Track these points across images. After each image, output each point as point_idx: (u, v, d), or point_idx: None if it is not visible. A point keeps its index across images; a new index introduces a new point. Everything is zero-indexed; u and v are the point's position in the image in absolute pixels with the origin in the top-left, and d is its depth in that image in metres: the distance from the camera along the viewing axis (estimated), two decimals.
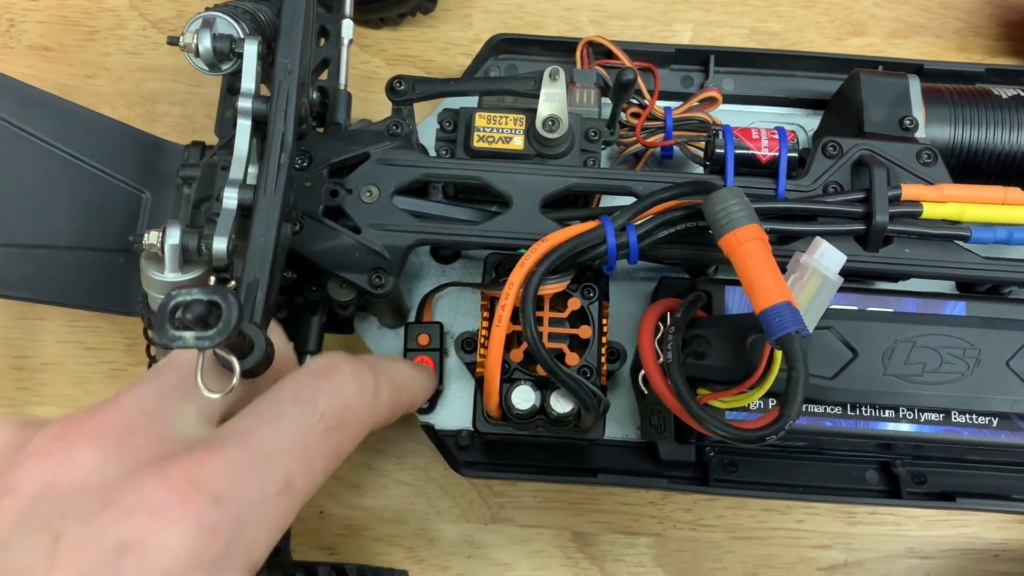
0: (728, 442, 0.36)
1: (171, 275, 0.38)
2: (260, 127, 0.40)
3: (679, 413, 0.39)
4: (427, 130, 0.50)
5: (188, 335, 0.28)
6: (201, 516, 0.27)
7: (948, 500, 0.46)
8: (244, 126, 0.39)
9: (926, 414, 0.41)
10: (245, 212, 0.38)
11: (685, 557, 0.54)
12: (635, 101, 0.50)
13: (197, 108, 0.62)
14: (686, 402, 0.38)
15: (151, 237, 0.37)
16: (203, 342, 0.28)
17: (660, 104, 0.50)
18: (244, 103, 0.39)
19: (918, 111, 0.46)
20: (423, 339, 0.46)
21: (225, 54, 0.41)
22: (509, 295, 0.39)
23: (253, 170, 0.40)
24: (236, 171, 0.39)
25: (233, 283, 0.33)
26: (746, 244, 0.37)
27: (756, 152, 0.44)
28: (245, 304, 0.35)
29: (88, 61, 0.63)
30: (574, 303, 0.43)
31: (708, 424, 0.37)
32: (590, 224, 0.41)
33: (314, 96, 0.47)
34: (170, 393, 0.31)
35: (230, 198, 0.38)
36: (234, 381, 0.30)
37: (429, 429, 0.47)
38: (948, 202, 0.42)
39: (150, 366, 0.44)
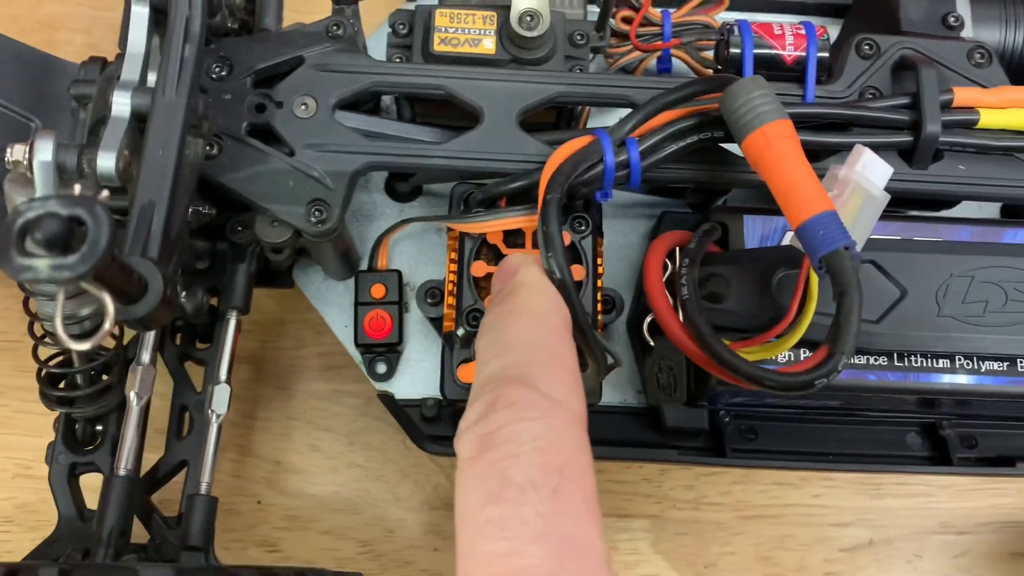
0: (769, 391, 0.29)
1: None
2: (162, 19, 0.31)
3: (701, 362, 0.32)
4: (377, 45, 0.42)
5: (41, 263, 0.20)
6: None
7: (1007, 465, 0.39)
8: (140, 15, 0.32)
9: (988, 363, 0.35)
10: (140, 123, 0.30)
11: (687, 541, 0.47)
12: (627, 4, 0.42)
13: (104, 35, 0.54)
14: (711, 347, 0.30)
15: (15, 152, 0.29)
16: (61, 272, 0.19)
17: (655, 9, 0.42)
18: None
19: (963, 6, 0.40)
20: (378, 290, 0.39)
21: None
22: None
23: (155, 77, 0.31)
24: (130, 71, 0.31)
25: (106, 192, 0.25)
26: (777, 143, 0.30)
27: (780, 51, 0.36)
28: (136, 232, 0.27)
29: None
30: (564, 238, 0.35)
31: (743, 371, 0.30)
32: (583, 139, 0.33)
33: None
34: None
35: (121, 103, 0.30)
36: (106, 325, 0.22)
37: (387, 399, 0.40)
38: (1009, 108, 0.36)
39: (30, 327, 0.35)
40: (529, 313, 0.28)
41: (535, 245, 0.35)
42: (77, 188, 0.22)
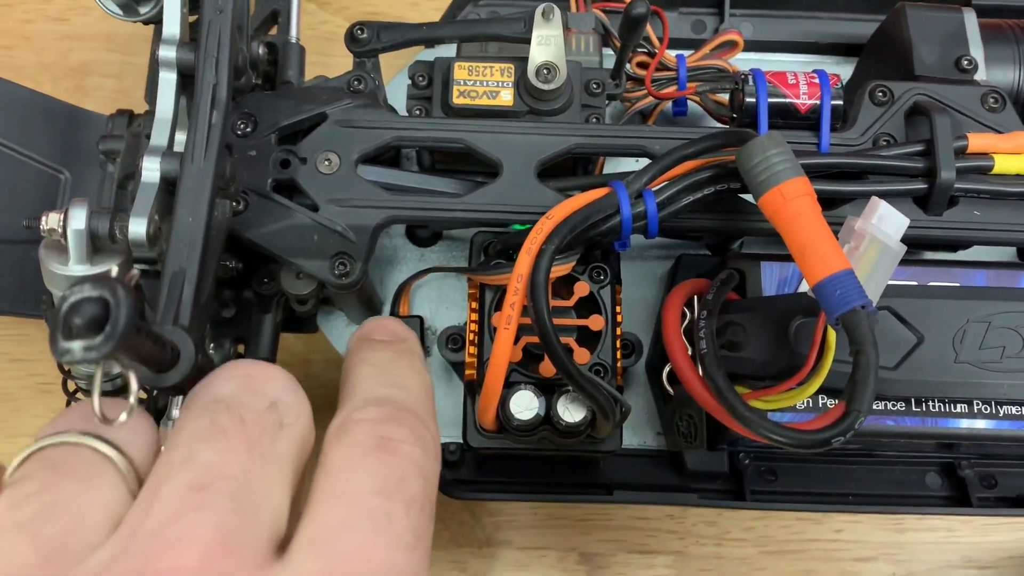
0: (785, 449, 0.29)
1: (77, 268, 0.30)
2: (189, 83, 0.32)
3: (719, 415, 0.32)
4: (396, 91, 0.42)
5: (76, 346, 0.21)
6: None
7: None
8: (168, 80, 0.32)
9: (1006, 407, 0.35)
10: (170, 186, 0.30)
11: None
12: (642, 49, 0.42)
13: (133, 80, 0.55)
14: (729, 402, 0.30)
15: (50, 220, 0.30)
16: (90, 352, 0.20)
17: (670, 53, 0.42)
18: (167, 51, 0.32)
19: (976, 50, 0.39)
20: None
21: None
22: (518, 290, 0.31)
23: (183, 138, 0.32)
24: (159, 136, 0.31)
25: (136, 271, 0.26)
26: (794, 202, 0.30)
27: (794, 100, 0.37)
28: (168, 301, 0.27)
29: (5, 30, 0.55)
30: (581, 288, 0.35)
31: (760, 428, 0.30)
32: (599, 192, 0.34)
33: (260, 51, 0.39)
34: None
35: (151, 169, 0.30)
36: (131, 400, 0.23)
37: None
38: None
39: (64, 384, 0.36)
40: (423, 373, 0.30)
41: (555, 296, 0.36)
42: (114, 270, 0.23)
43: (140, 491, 0.23)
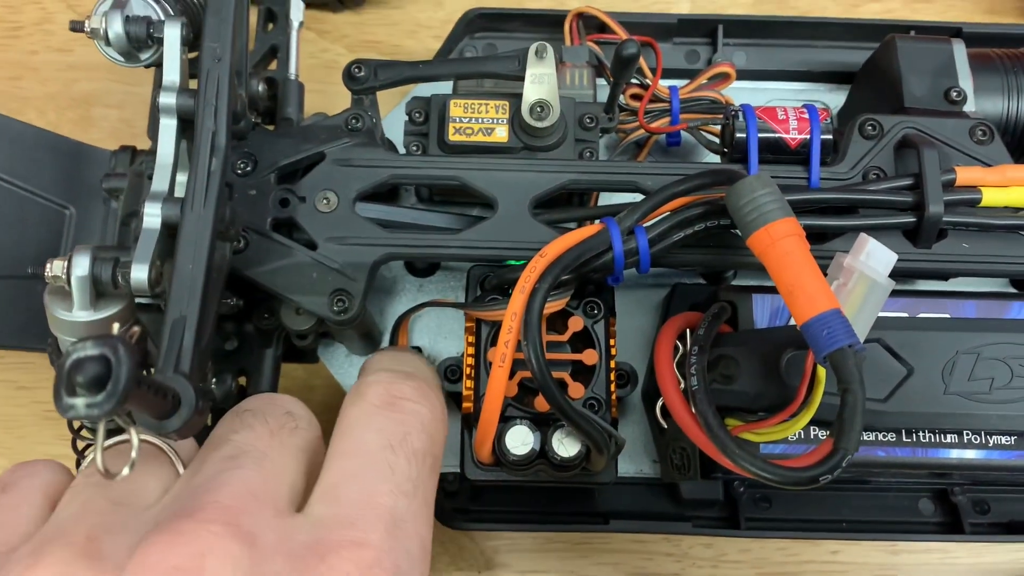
0: (773, 485, 0.30)
1: (81, 314, 0.31)
2: (188, 127, 0.33)
3: (710, 452, 0.32)
4: (394, 124, 0.43)
5: (79, 403, 0.21)
6: None
7: (1018, 532, 0.39)
8: (168, 126, 0.33)
9: (996, 437, 0.35)
10: (171, 231, 0.31)
11: None
12: (635, 81, 0.43)
13: (137, 110, 0.55)
14: (719, 439, 0.31)
15: (55, 268, 0.30)
16: (92, 410, 0.21)
17: (663, 83, 0.43)
18: (167, 98, 0.33)
19: (966, 81, 0.40)
20: None
21: (142, 40, 0.34)
22: (512, 328, 0.32)
23: (184, 179, 0.33)
24: (160, 182, 0.32)
25: (136, 329, 0.26)
26: (781, 242, 0.31)
27: (783, 135, 0.37)
28: (168, 349, 0.28)
29: (11, 61, 0.56)
30: (575, 323, 0.36)
31: (748, 465, 0.30)
32: (592, 229, 0.34)
33: (259, 89, 0.40)
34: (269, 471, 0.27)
35: (152, 215, 0.31)
36: (132, 454, 0.24)
37: None
38: (1011, 186, 0.36)
39: (73, 440, 0.37)
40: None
41: (549, 330, 0.37)
42: (115, 327, 0.23)
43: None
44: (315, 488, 0.27)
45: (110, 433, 0.26)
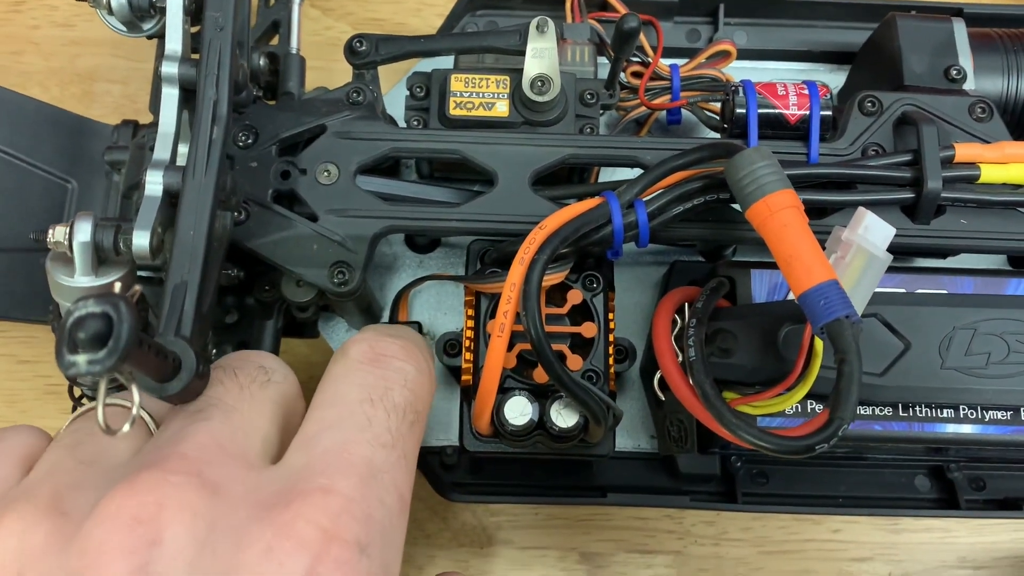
0: (770, 454, 0.30)
1: (83, 279, 0.31)
2: (191, 97, 0.33)
3: (707, 422, 0.33)
4: (395, 101, 0.43)
5: (81, 360, 0.22)
6: None
7: (1013, 509, 0.40)
8: (170, 96, 0.33)
9: (992, 412, 0.35)
10: (173, 199, 0.31)
11: None
12: (636, 59, 0.43)
13: (140, 85, 0.55)
14: (716, 408, 0.31)
15: (56, 234, 0.31)
16: (94, 366, 0.21)
17: (664, 61, 0.43)
18: (169, 67, 0.33)
19: (965, 59, 0.40)
20: None
21: (144, 9, 0.34)
22: (511, 299, 0.32)
23: (185, 149, 0.33)
24: (161, 150, 0.32)
25: (138, 288, 0.27)
26: (780, 213, 0.31)
27: (783, 111, 0.37)
28: (170, 313, 0.28)
29: (13, 35, 0.56)
30: (575, 296, 0.36)
31: (745, 434, 0.30)
32: (591, 202, 0.34)
33: (261, 63, 0.40)
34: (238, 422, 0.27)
35: (154, 183, 0.31)
36: (133, 411, 0.24)
37: None
38: (1010, 163, 0.36)
39: (74, 409, 0.37)
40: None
41: (548, 303, 0.37)
42: (117, 286, 0.23)
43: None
44: (292, 441, 0.27)
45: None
